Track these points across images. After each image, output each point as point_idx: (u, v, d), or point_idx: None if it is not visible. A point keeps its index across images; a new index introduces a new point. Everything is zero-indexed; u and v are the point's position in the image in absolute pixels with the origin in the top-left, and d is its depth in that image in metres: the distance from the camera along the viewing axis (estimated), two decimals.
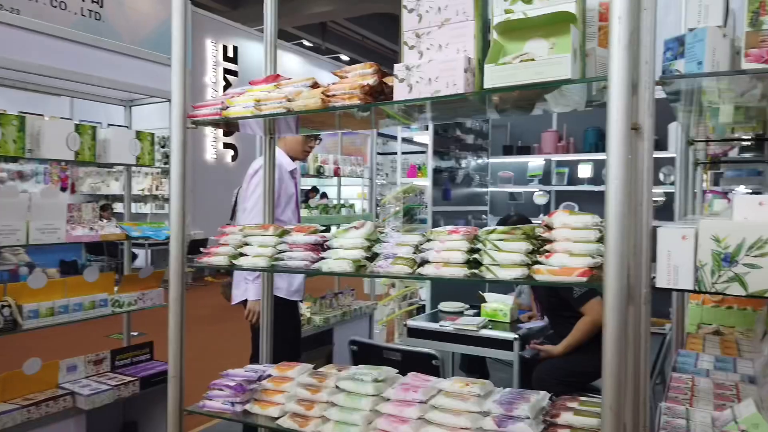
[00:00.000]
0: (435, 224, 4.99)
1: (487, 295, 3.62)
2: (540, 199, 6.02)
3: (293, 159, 3.02)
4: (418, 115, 1.76)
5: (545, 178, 6.08)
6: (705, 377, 1.63)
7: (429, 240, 1.47)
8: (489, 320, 3.36)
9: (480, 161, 5.72)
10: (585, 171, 5.82)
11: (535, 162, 6.05)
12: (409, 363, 2.75)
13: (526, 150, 6.03)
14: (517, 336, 3.10)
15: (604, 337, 1.17)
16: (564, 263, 1.28)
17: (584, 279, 1.25)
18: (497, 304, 3.43)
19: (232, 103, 1.67)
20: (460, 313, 3.61)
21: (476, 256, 1.39)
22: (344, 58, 13.98)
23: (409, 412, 1.45)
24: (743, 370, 1.70)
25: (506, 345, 3.13)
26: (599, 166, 5.73)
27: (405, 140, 5.33)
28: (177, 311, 1.75)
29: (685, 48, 1.24)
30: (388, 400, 1.51)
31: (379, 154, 6.51)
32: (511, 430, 1.35)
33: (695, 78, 1.21)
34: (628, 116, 1.14)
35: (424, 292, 5.22)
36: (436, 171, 5.07)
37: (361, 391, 1.55)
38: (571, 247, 1.30)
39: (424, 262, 1.44)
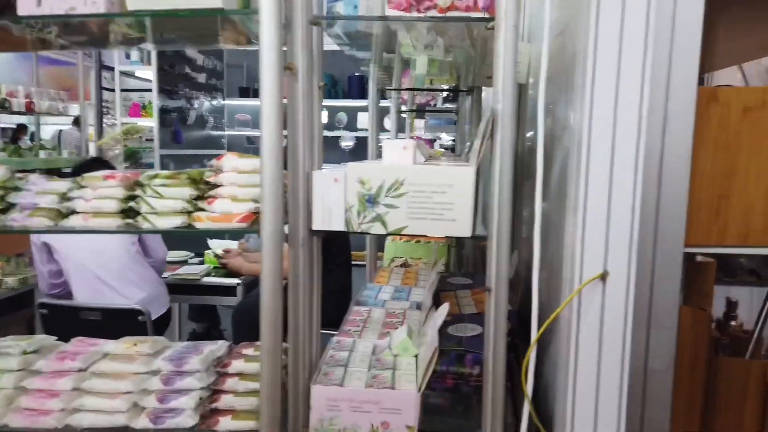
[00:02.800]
0: (164, 168, 4.64)
1: (212, 242, 3.49)
2: None
3: None
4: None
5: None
6: (381, 308, 1.76)
7: (81, 187, 1.27)
8: (214, 267, 3.27)
9: (215, 102, 5.42)
10: (324, 116, 5.99)
11: None
12: (111, 322, 2.50)
13: None
14: (240, 281, 3.07)
15: (262, 280, 1.14)
16: (227, 209, 1.22)
17: (244, 225, 1.20)
18: (221, 250, 3.32)
19: None
20: (184, 262, 3.44)
21: (133, 204, 1.24)
22: None
23: (61, 384, 1.27)
24: (415, 297, 1.89)
25: (230, 291, 3.10)
26: (333, 112, 5.93)
27: (125, 74, 4.71)
28: None
29: None
30: (40, 373, 1.31)
31: (104, 89, 5.69)
32: (177, 387, 1.27)
33: (350, 21, 1.22)
34: (279, 55, 1.09)
35: None
36: (164, 111, 4.65)
37: (4, 367, 1.31)
38: (236, 192, 1.24)
39: (71, 213, 1.24)
